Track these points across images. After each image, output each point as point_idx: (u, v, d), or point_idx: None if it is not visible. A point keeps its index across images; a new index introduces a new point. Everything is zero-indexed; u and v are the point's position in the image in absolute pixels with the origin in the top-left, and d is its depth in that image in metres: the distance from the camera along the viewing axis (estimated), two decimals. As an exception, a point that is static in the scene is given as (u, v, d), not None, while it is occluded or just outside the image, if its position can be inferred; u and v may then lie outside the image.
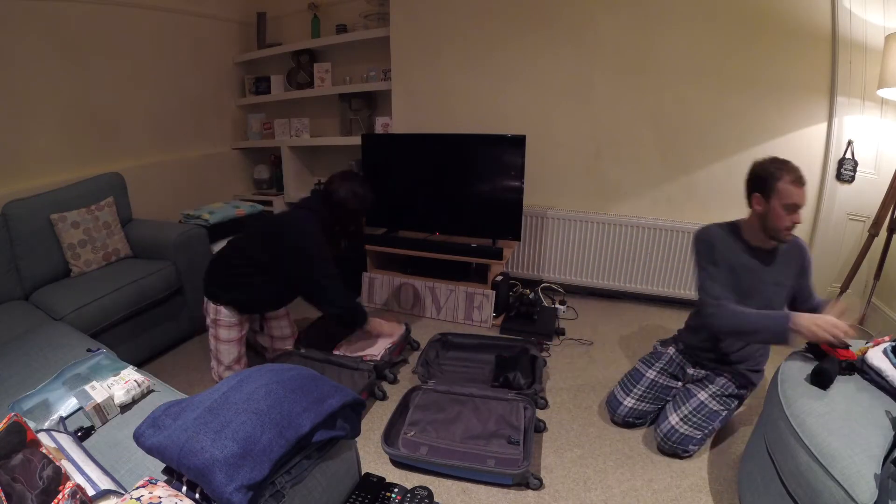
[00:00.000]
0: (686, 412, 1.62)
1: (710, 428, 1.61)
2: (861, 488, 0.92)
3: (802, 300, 1.61)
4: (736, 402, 1.67)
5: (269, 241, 1.86)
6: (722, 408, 1.62)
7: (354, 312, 2.00)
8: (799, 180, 1.46)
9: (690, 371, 1.76)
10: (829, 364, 1.23)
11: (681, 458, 1.61)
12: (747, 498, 1.34)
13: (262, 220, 1.98)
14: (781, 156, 2.39)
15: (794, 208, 1.46)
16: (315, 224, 1.87)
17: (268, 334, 2.18)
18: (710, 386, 1.67)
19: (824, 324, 1.30)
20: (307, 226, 1.86)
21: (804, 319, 1.33)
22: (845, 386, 1.20)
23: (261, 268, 1.86)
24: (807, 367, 1.29)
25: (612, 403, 1.81)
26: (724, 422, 1.65)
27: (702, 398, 1.64)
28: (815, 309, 1.52)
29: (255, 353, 2.24)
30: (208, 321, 1.95)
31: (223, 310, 1.90)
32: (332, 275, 1.89)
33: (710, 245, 1.62)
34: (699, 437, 1.59)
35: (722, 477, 1.53)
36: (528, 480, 1.50)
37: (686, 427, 1.59)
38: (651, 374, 1.77)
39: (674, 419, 1.62)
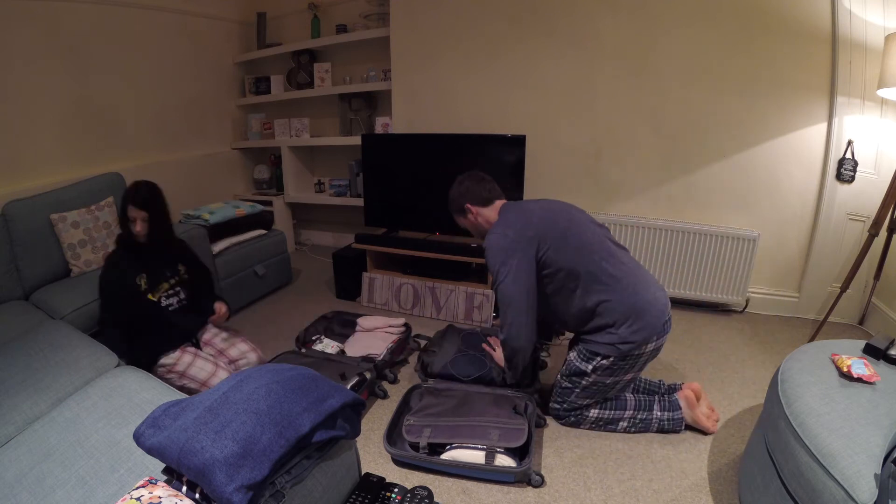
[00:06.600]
0: (554, 388, 1.80)
1: (569, 402, 1.73)
2: (861, 488, 0.92)
3: None
4: (586, 380, 1.67)
5: None
6: (570, 385, 1.71)
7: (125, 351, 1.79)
8: None
9: None
10: None
11: (560, 423, 1.79)
12: (747, 498, 1.34)
13: None
14: (782, 155, 2.44)
15: None
16: (107, 259, 1.88)
17: (215, 349, 2.00)
18: (563, 366, 1.77)
19: None
20: (102, 268, 1.89)
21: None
22: (845, 386, 1.20)
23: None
24: (807, 367, 1.29)
25: None
26: (584, 397, 1.71)
27: (558, 377, 1.78)
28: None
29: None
30: (180, 380, 1.83)
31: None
32: (109, 317, 1.87)
33: None
34: (559, 409, 1.77)
35: (722, 477, 1.53)
36: (531, 477, 1.50)
37: (553, 401, 1.79)
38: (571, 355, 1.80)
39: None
